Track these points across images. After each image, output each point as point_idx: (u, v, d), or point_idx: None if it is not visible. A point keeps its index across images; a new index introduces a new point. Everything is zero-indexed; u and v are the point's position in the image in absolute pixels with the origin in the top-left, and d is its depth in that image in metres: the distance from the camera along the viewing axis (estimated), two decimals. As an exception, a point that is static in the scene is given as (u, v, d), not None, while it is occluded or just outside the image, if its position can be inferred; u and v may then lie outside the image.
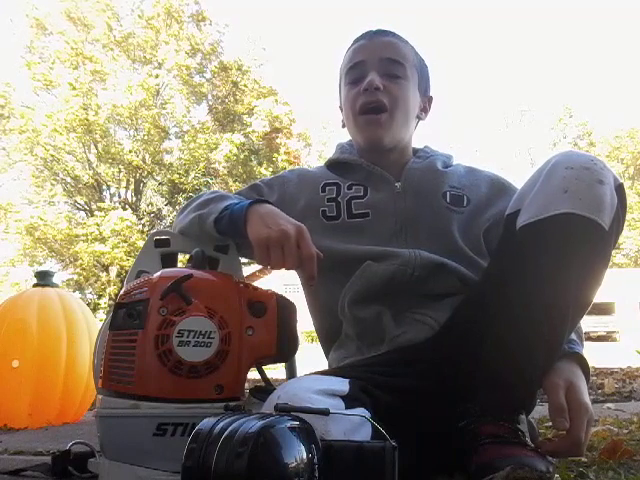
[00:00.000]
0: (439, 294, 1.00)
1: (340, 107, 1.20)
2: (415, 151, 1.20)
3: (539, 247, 0.83)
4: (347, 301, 1.01)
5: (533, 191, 0.86)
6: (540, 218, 0.82)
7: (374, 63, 1.10)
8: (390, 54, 1.11)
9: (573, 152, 0.87)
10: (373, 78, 1.08)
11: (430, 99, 1.22)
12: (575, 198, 0.80)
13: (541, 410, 1.78)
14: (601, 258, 0.84)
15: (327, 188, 1.12)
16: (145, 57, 17.39)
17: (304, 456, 0.57)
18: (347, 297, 1.01)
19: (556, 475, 0.86)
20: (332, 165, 1.19)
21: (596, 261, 0.83)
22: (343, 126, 1.21)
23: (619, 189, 0.84)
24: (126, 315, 0.85)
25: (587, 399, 0.85)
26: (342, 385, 0.81)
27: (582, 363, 0.92)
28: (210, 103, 19.00)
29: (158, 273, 0.89)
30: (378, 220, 1.07)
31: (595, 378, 3.41)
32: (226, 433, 0.56)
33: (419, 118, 1.19)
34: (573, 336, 0.96)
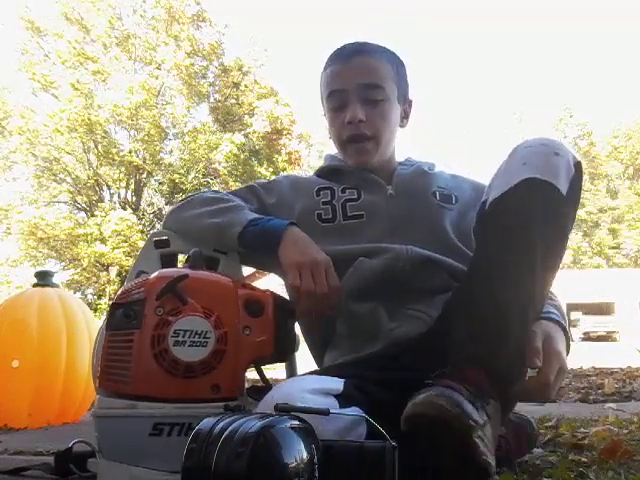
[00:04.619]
0: (431, 290, 1.02)
1: (324, 115, 1.22)
2: (399, 162, 1.24)
3: (505, 218, 0.87)
4: (342, 297, 1.01)
5: (497, 174, 0.92)
6: (504, 191, 0.87)
7: (353, 90, 1.10)
8: (367, 79, 1.11)
9: (534, 137, 0.94)
10: (355, 112, 1.09)
11: (410, 103, 1.22)
12: (533, 166, 0.87)
13: (541, 410, 1.79)
14: (560, 225, 0.88)
15: (321, 192, 1.14)
16: (146, 57, 17.40)
17: (304, 456, 0.57)
18: (342, 293, 1.01)
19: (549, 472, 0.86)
20: (323, 172, 1.21)
21: (557, 226, 0.87)
22: (330, 137, 1.22)
23: (577, 166, 0.90)
24: (123, 315, 0.85)
25: (562, 350, 0.88)
26: (336, 384, 0.81)
27: (561, 326, 0.94)
28: (211, 104, 19.02)
29: (155, 273, 0.90)
30: (373, 221, 1.09)
31: (595, 378, 3.42)
32: (226, 433, 0.56)
33: (400, 126, 1.21)
34: (558, 314, 0.97)
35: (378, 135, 1.12)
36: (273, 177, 1.31)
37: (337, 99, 1.13)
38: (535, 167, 0.86)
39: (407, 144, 1.31)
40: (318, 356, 1.14)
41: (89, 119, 15.43)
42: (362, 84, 1.10)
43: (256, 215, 1.04)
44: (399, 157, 1.26)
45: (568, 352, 0.94)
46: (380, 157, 1.15)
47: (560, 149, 0.89)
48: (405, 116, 1.21)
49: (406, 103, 1.21)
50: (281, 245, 0.97)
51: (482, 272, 0.89)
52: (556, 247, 0.87)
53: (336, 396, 0.78)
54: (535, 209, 0.85)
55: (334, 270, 1.00)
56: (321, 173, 1.21)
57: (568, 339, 0.95)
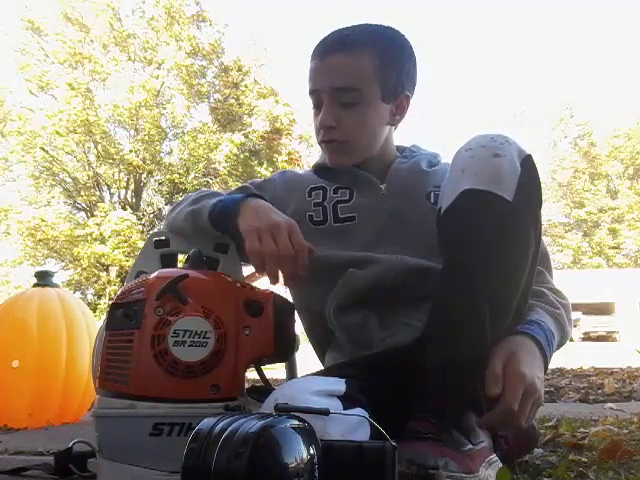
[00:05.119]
0: (425, 296, 0.99)
1: None
2: (401, 150, 1.18)
3: (453, 230, 0.85)
4: (333, 310, 1.01)
5: (446, 179, 0.89)
6: (448, 204, 0.85)
7: (326, 93, 1.05)
8: (341, 82, 1.03)
9: (477, 135, 0.88)
10: (324, 118, 1.05)
11: (406, 98, 1.10)
12: (471, 174, 0.83)
13: (541, 410, 1.79)
14: (512, 229, 0.82)
15: (313, 192, 1.12)
16: (146, 57, 17.41)
17: (304, 456, 0.57)
18: (332, 305, 1.01)
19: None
20: (319, 169, 1.18)
21: (508, 232, 0.82)
22: None
23: (525, 161, 0.85)
24: (123, 315, 0.85)
25: (528, 370, 0.82)
26: (339, 385, 0.81)
27: (537, 342, 0.89)
28: (211, 104, 19.02)
29: (155, 273, 0.90)
30: (364, 223, 1.07)
31: (595, 378, 3.41)
32: (226, 433, 0.56)
33: (391, 124, 1.12)
34: (549, 325, 0.94)
35: (352, 139, 1.07)
36: (269, 175, 1.29)
37: (314, 98, 1.08)
38: (473, 175, 0.82)
39: (410, 138, 1.25)
40: (321, 354, 1.14)
41: (87, 120, 15.43)
42: (335, 87, 1.03)
43: (225, 197, 1.03)
44: (407, 142, 1.21)
45: (545, 370, 0.89)
46: (357, 159, 1.10)
47: (501, 148, 0.83)
48: (397, 112, 1.10)
49: (398, 99, 1.09)
50: (239, 217, 0.95)
51: (440, 280, 0.89)
52: (512, 253, 0.83)
53: (339, 397, 0.78)
54: (476, 221, 0.82)
55: (331, 270, 0.98)
56: (317, 169, 1.18)
57: (545, 356, 0.89)
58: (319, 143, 1.12)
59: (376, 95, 1.05)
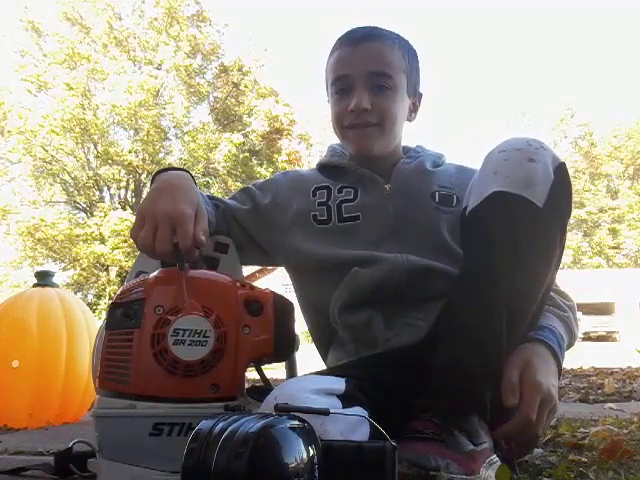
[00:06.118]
0: (429, 296, 0.99)
1: (328, 100, 1.17)
2: (406, 150, 1.19)
3: (479, 232, 0.85)
4: (337, 309, 1.01)
5: (474, 180, 0.89)
6: (477, 204, 0.85)
7: (360, 77, 1.06)
8: (376, 66, 1.06)
9: (512, 137, 0.89)
10: (360, 100, 1.04)
11: (420, 96, 1.18)
12: (503, 177, 0.82)
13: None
14: (538, 235, 0.82)
15: (318, 192, 1.12)
16: (145, 57, 17.42)
17: (304, 456, 0.57)
18: (337, 305, 1.01)
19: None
20: (323, 168, 1.17)
21: (536, 241, 0.82)
22: (332, 123, 1.17)
23: (559, 169, 0.85)
24: (122, 315, 0.85)
25: (544, 379, 0.82)
26: (338, 384, 0.81)
27: (551, 349, 0.89)
28: (211, 104, 19.04)
29: (155, 273, 0.90)
30: (368, 223, 1.07)
31: (595, 378, 3.41)
32: (226, 433, 0.56)
33: (408, 120, 1.16)
34: (559, 329, 0.94)
35: (382, 123, 1.07)
36: (269, 175, 1.29)
37: (342, 83, 1.08)
38: (505, 177, 0.82)
39: (410, 139, 1.26)
40: (323, 353, 1.14)
41: (84, 119, 15.43)
42: (370, 71, 1.05)
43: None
44: (411, 142, 1.22)
45: (559, 377, 0.89)
46: (383, 148, 1.10)
47: (536, 153, 0.83)
48: (414, 109, 1.16)
49: (416, 96, 1.16)
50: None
51: (459, 280, 0.89)
52: (535, 261, 0.83)
53: (339, 396, 0.78)
54: (503, 224, 0.81)
55: (336, 269, 0.97)
56: (321, 168, 1.18)
57: (559, 362, 0.89)
58: (344, 128, 1.10)
59: (403, 86, 1.10)
